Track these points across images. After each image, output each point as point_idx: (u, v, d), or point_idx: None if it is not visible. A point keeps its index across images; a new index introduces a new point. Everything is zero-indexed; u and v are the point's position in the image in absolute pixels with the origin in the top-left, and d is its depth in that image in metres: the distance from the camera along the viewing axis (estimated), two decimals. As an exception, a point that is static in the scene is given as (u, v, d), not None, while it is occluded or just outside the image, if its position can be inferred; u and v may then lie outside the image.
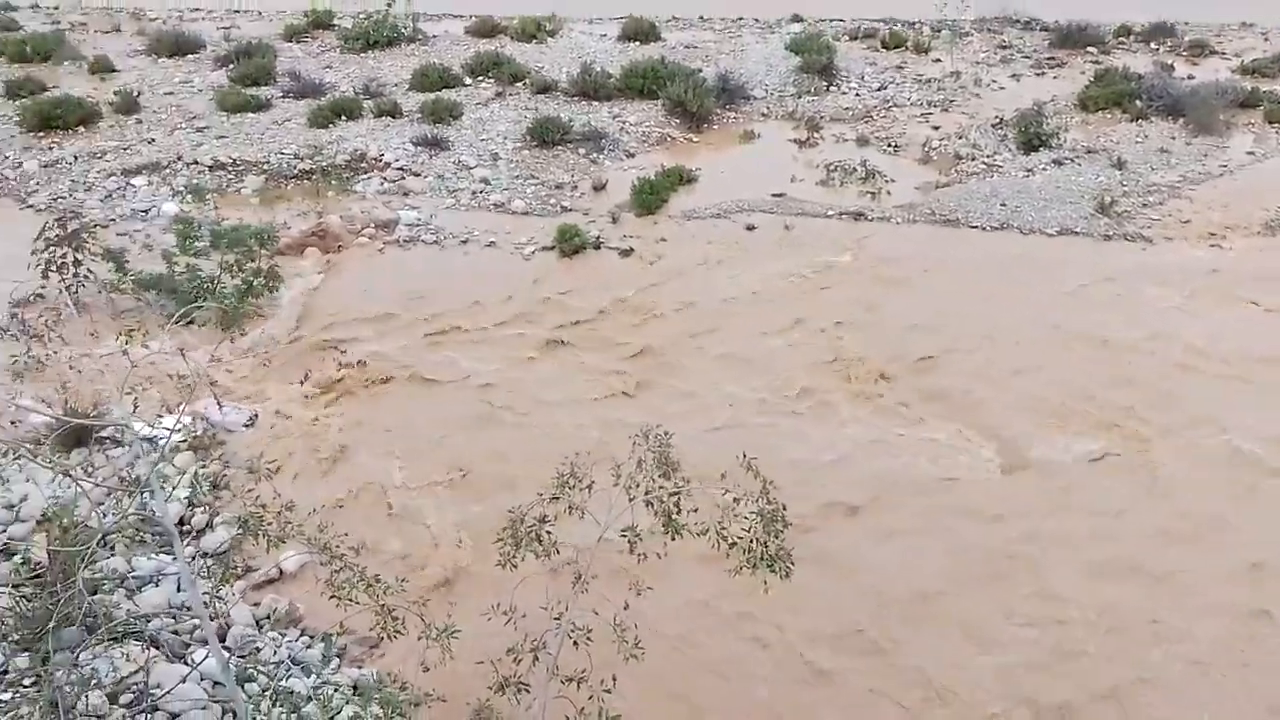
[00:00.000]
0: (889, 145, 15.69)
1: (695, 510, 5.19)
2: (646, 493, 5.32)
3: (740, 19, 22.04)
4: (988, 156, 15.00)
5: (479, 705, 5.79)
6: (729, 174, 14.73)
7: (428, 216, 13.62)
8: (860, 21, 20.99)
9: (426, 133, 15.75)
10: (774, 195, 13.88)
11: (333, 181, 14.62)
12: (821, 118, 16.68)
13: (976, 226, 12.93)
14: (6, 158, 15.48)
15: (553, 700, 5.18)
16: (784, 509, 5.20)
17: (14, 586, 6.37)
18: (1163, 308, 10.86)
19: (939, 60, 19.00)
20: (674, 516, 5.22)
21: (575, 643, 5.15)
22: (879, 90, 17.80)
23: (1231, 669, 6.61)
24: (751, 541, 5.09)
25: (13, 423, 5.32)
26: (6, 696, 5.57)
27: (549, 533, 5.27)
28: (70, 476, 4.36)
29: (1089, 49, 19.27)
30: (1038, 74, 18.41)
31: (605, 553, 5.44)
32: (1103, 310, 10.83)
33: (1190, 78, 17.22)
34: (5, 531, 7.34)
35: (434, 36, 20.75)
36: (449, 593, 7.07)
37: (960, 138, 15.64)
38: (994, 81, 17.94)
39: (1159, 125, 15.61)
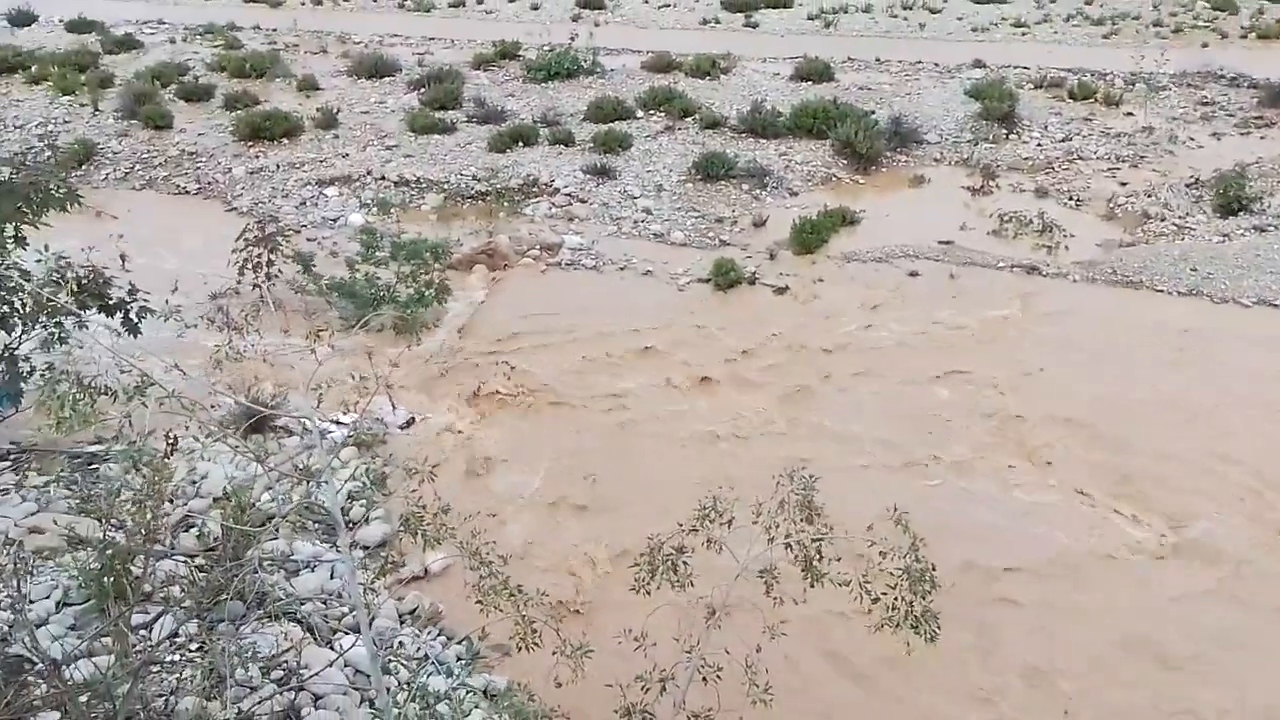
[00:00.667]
0: (1070, 199, 14.96)
1: (839, 559, 5.06)
2: (787, 535, 5.23)
3: (918, 62, 21.63)
4: (1179, 217, 14.06)
5: (602, 728, 5.81)
6: (894, 218, 14.42)
7: (590, 242, 14.00)
8: (1047, 70, 20.19)
9: (596, 162, 16.22)
10: (941, 242, 13.47)
11: (505, 203, 15.26)
12: (998, 166, 16.11)
13: (1162, 291, 12.12)
14: (219, 163, 17.00)
15: (677, 734, 5.14)
16: (933, 569, 4.99)
17: (190, 557, 6.92)
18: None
19: (1131, 114, 18.01)
20: (815, 562, 5.11)
21: (705, 679, 5.09)
22: (1062, 141, 17.03)
23: None
24: (897, 599, 4.90)
25: (212, 406, 5.83)
26: (175, 658, 6.02)
27: (685, 563, 5.26)
28: (257, 460, 4.70)
29: (1304, 109, 17.81)
30: (1242, 133, 17.16)
31: (740, 591, 5.38)
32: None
33: None
34: (187, 505, 7.98)
35: (612, 70, 21.39)
36: (584, 612, 7.16)
37: (1150, 196, 14.74)
38: (1191, 139, 16.84)
39: (1383, 194, 14.23)
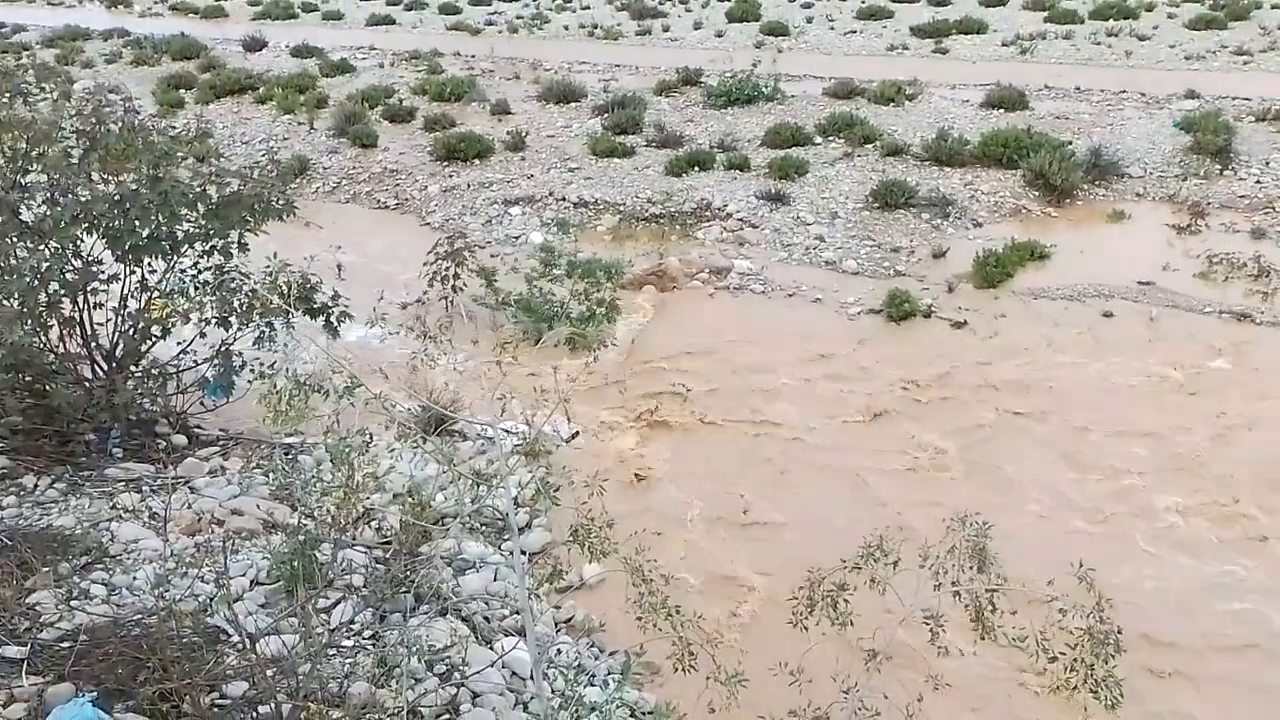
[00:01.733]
0: (1292, 241, 13.64)
1: (1014, 613, 4.78)
2: (954, 582, 5.00)
3: (1123, 92, 20.34)
4: None
5: (750, 760, 5.72)
6: (1089, 255, 13.58)
7: (759, 267, 13.96)
8: (1271, 102, 18.50)
9: (770, 188, 16.19)
10: (1141, 283, 12.57)
11: (677, 226, 15.48)
12: (1209, 204, 14.89)
13: (1402, 347, 10.82)
14: (416, 180, 18.15)
15: (827, 776, 5.00)
16: (1119, 632, 4.63)
17: (370, 549, 7.36)
18: None
19: (1372, 150, 16.24)
20: (986, 614, 4.85)
21: (860, 722, 4.93)
22: (1287, 178, 15.56)
23: None
24: (1077, 660, 4.58)
25: (405, 408, 6.26)
26: (349, 643, 6.40)
27: (846, 601, 5.11)
28: (448, 463, 4.96)
29: None
30: None
31: (902, 637, 5.18)
32: None
33: None
34: (370, 499, 8.49)
35: (792, 96, 21.32)
36: (739, 639, 7.09)
37: (1391, 241, 13.22)
38: None
39: None
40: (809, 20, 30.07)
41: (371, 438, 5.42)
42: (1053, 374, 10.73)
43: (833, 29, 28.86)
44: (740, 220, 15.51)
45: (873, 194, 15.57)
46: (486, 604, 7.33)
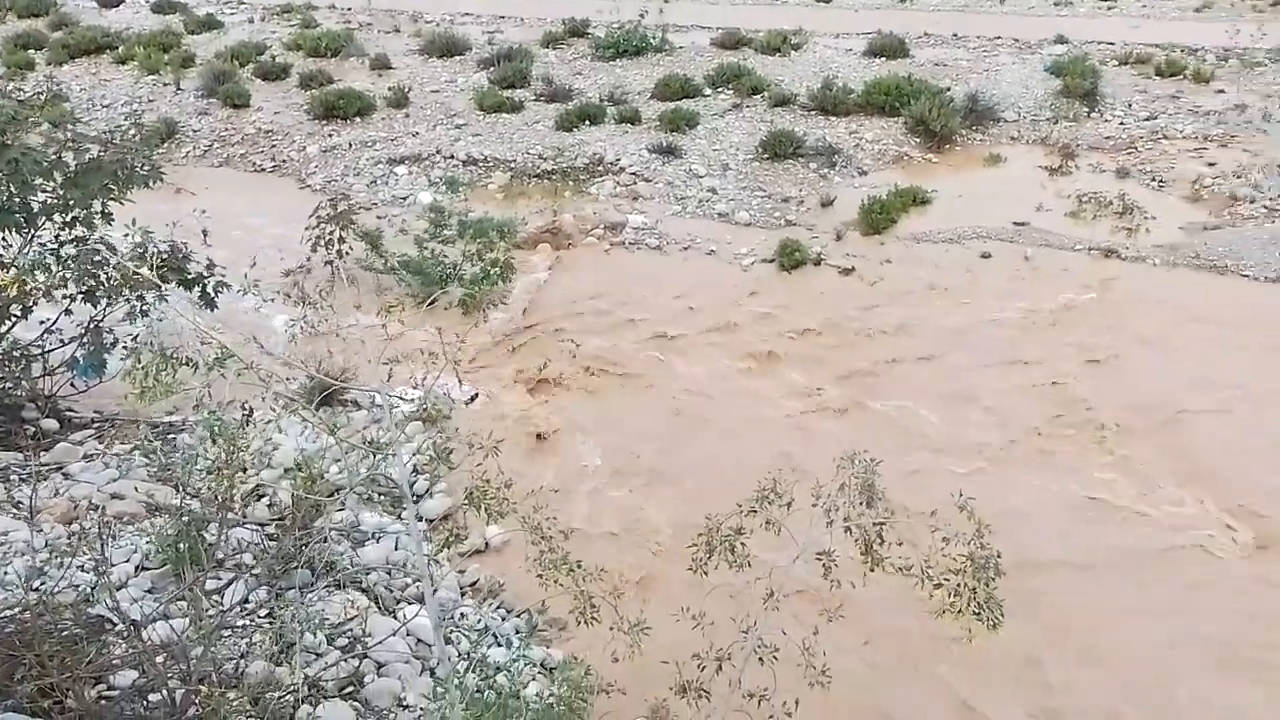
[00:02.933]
0: (1153, 179, 14.40)
1: (900, 544, 4.98)
2: (846, 519, 5.17)
3: (998, 38, 20.97)
4: (1270, 199, 13.41)
5: (657, 704, 5.85)
6: (968, 198, 14.06)
7: (654, 221, 13.96)
8: (1133, 46, 19.38)
9: (662, 140, 16.14)
10: (1016, 224, 13.10)
11: (570, 182, 15.31)
12: (1078, 145, 15.57)
13: (1249, 276, 11.59)
14: (294, 141, 17.39)
15: (732, 713, 5.15)
16: (999, 556, 4.87)
17: (260, 526, 7.14)
18: None
19: (1222, 91, 17.21)
20: (875, 547, 5.04)
21: (761, 659, 5.08)
22: (1147, 120, 16.37)
23: None
24: (960, 585, 4.81)
25: (286, 379, 6.01)
26: (244, 623, 6.22)
27: (743, 544, 5.24)
28: (331, 433, 4.82)
29: None
30: (1344, 110, 16.26)
31: (799, 574, 5.34)
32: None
33: None
34: (258, 475, 8.22)
35: (680, 47, 21.21)
36: (641, 589, 7.20)
37: (1239, 177, 14.09)
38: (1288, 116, 16.03)
39: None
40: (694, -31, 29.85)
41: (251, 411, 5.22)
42: (935, 315, 11.13)
43: (718, -22, 28.73)
44: (633, 174, 15.44)
45: (762, 145, 15.71)
46: (388, 574, 7.23)
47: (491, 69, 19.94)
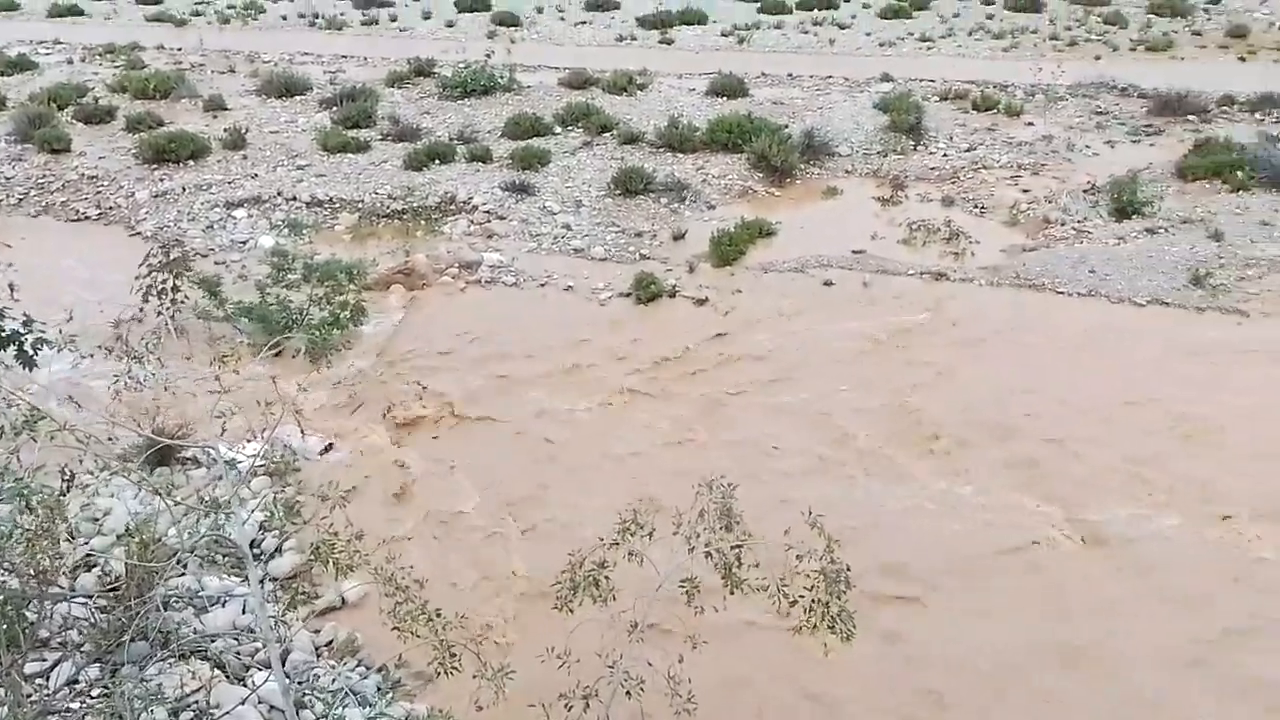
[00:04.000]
0: (975, 206, 15.46)
1: (757, 565, 5.11)
2: (707, 544, 5.27)
3: (829, 77, 22.14)
4: (1078, 222, 14.65)
5: (527, 749, 5.74)
6: (809, 229, 14.70)
7: (509, 259, 13.92)
8: (952, 83, 20.86)
9: (514, 179, 16.16)
10: (854, 252, 13.78)
11: (422, 222, 15.08)
12: (907, 176, 16.57)
13: (1063, 292, 12.58)
14: (121, 187, 16.42)
15: (601, 751, 5.11)
16: (848, 569, 5.07)
17: (91, 598, 6.61)
18: (1256, 384, 10.36)
19: (1031, 124, 18.73)
20: (734, 570, 5.15)
21: (628, 693, 5.08)
22: (967, 151, 17.61)
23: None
24: (813, 601, 4.97)
25: (109, 439, 5.61)
26: (75, 706, 5.74)
27: (607, 578, 5.25)
28: (158, 494, 4.52)
29: (1189, 117, 18.74)
30: (1134, 141, 17.97)
31: (663, 603, 5.38)
32: (1192, 384, 10.39)
33: (1298, 149, 16.56)
34: (88, 544, 7.64)
35: (529, 86, 21.37)
36: (506, 632, 7.08)
37: (1050, 202, 15.33)
38: (1088, 147, 17.57)
39: (1261, 197, 15.03)
40: (539, 10, 30.20)
41: (73, 476, 4.84)
42: (784, 341, 11.54)
43: (563, 19, 29.17)
44: (487, 212, 15.37)
45: (614, 181, 15.96)
46: (236, 640, 6.84)
47: (334, 109, 19.48)
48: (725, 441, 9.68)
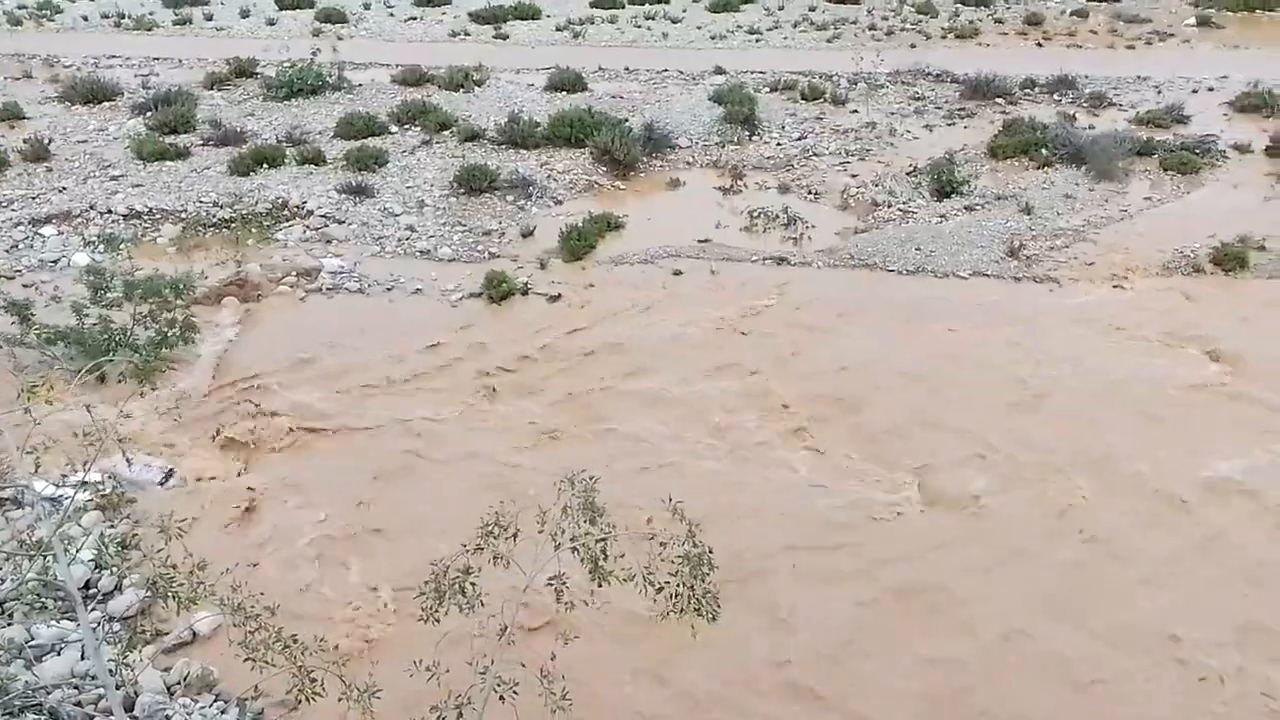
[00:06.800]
0: (809, 193, 16.11)
1: (623, 556, 5.16)
2: (572, 539, 5.28)
3: (665, 71, 22.51)
4: (903, 203, 15.50)
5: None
6: (656, 221, 14.93)
7: (351, 264, 13.47)
8: (780, 75, 21.62)
9: (351, 180, 15.63)
10: (700, 241, 14.10)
11: (253, 230, 14.37)
12: (745, 166, 17.07)
13: (894, 270, 13.30)
14: (-97, 207, 14.86)
15: (479, 758, 5.05)
16: (710, 552, 5.20)
17: (-99, 660, 5.99)
18: (1072, 346, 11.29)
19: (856, 111, 19.66)
20: (600, 563, 5.19)
21: (501, 697, 5.04)
22: (799, 140, 18.31)
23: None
24: (678, 586, 5.07)
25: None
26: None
27: (473, 584, 5.17)
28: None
29: (997, 100, 20.17)
30: (949, 124, 19.17)
31: (532, 603, 5.37)
32: (1016, 350, 11.21)
33: (1091, 128, 18.12)
34: (-108, 602, 6.90)
35: (359, 85, 20.70)
36: (370, 651, 6.87)
37: (877, 185, 16.15)
38: (908, 132, 18.61)
39: (1064, 172, 16.36)
40: (367, 6, 29.32)
41: None
42: (640, 332, 11.69)
43: (392, 15, 28.43)
44: (324, 217, 14.80)
45: (456, 180, 15.70)
46: (77, 688, 6.35)
47: (149, 114, 18.28)
48: (588, 435, 9.72)
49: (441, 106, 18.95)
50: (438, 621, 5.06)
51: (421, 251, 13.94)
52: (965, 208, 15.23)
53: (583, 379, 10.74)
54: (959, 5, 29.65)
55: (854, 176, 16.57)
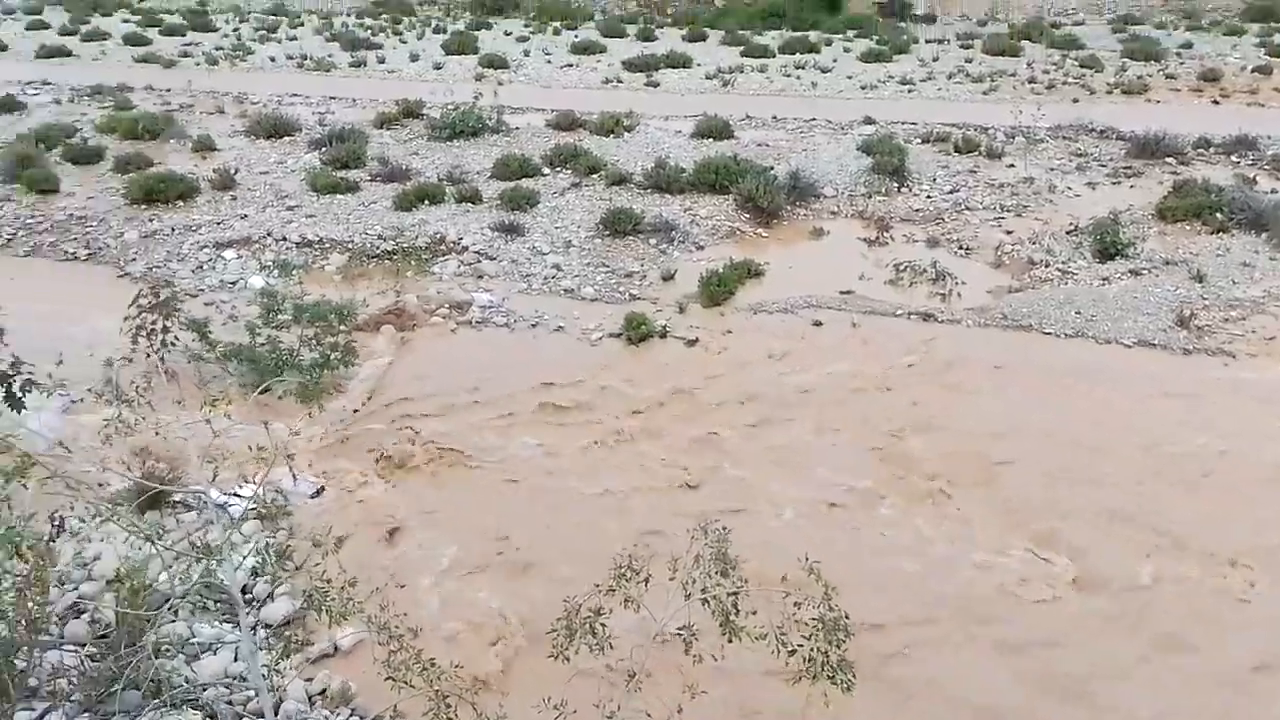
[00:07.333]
0: (960, 248, 15.67)
1: (755, 613, 5.10)
2: (703, 590, 5.25)
3: (812, 119, 22.50)
4: (1062, 263, 14.86)
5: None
6: (797, 269, 14.84)
7: (500, 300, 13.97)
8: (932, 126, 21.23)
9: (504, 219, 16.27)
10: (842, 292, 13.91)
11: (412, 262, 15.12)
12: (892, 218, 16.78)
13: (1050, 333, 12.73)
14: (110, 227, 16.42)
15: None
16: (847, 617, 5.07)
17: (81, 646, 6.51)
18: (1246, 424, 10.48)
19: (1013, 166, 19.06)
20: (732, 617, 5.13)
21: (626, 744, 5.03)
22: (950, 193, 17.88)
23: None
24: (813, 650, 4.96)
25: (99, 484, 5.56)
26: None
27: (603, 625, 5.21)
28: (150, 540, 4.49)
29: (1167, 160, 19.13)
30: (1114, 183, 18.31)
31: (660, 651, 5.35)
32: (1184, 425, 10.50)
33: (1274, 192, 16.93)
34: (77, 590, 7.53)
35: (516, 128, 21.58)
36: (501, 682, 7.00)
37: (1034, 243, 15.56)
38: (1069, 189, 17.89)
39: (1241, 239, 15.32)
40: (526, 54, 30.64)
41: (62, 522, 4.80)
42: (775, 381, 11.59)
43: (549, 63, 29.58)
44: (477, 253, 15.44)
45: (602, 222, 16.09)
46: (229, 688, 6.73)
47: (324, 150, 19.61)
48: (719, 484, 9.68)
49: (592, 150, 19.53)
50: (568, 660, 5.12)
51: (565, 290, 14.33)
52: (1130, 271, 14.45)
53: (716, 425, 10.72)
54: (1126, 59, 28.42)
55: (1009, 233, 16.02)
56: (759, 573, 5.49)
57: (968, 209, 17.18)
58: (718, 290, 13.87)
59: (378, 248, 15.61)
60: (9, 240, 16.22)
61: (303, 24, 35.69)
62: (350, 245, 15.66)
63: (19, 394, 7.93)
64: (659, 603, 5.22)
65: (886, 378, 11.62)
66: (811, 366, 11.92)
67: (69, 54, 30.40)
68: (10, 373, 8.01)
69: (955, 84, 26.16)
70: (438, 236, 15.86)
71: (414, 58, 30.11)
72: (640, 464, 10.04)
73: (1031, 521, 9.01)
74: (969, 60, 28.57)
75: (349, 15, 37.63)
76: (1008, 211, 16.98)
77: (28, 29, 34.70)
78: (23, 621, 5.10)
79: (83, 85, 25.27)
